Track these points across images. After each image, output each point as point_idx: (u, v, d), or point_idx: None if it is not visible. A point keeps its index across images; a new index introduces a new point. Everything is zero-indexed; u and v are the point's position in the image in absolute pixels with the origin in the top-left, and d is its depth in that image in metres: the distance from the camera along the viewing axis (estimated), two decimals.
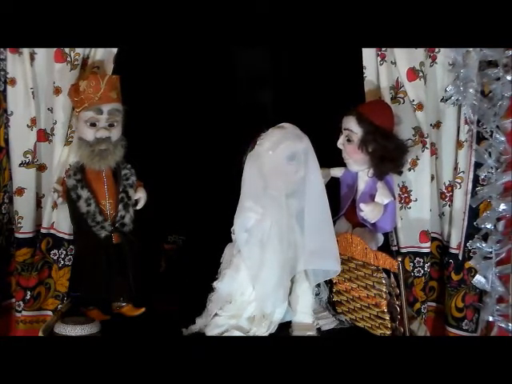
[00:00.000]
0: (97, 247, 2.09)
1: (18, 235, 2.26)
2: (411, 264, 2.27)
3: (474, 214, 2.24)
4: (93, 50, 2.18)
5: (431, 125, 2.28)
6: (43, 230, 2.24)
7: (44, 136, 2.25)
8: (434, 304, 2.42)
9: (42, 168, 2.28)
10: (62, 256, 2.24)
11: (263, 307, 1.94)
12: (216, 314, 1.96)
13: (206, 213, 2.64)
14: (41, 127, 2.24)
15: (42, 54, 2.18)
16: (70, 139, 2.19)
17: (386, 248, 2.20)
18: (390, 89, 2.21)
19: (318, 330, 2.01)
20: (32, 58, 2.17)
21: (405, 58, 2.17)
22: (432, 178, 2.28)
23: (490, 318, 2.25)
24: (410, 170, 2.23)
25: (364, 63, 2.20)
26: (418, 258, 2.28)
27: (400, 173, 2.15)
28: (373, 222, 2.08)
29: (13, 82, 2.19)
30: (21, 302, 2.25)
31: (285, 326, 1.99)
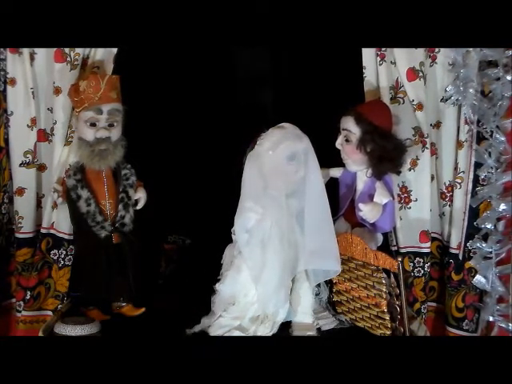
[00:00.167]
0: (97, 247, 2.09)
1: (18, 235, 2.27)
2: (411, 264, 2.27)
3: (474, 213, 2.24)
4: (93, 49, 2.18)
5: (431, 125, 2.28)
6: (43, 230, 2.24)
7: (44, 136, 2.25)
8: (434, 304, 2.42)
9: (41, 168, 2.28)
10: (62, 256, 2.24)
11: (265, 308, 1.94)
12: (220, 316, 1.96)
13: (205, 213, 2.65)
14: (41, 127, 2.24)
15: (41, 54, 2.18)
16: (70, 139, 2.19)
17: (385, 248, 2.20)
18: (390, 89, 2.21)
19: (318, 330, 2.01)
20: (32, 58, 2.17)
21: (405, 58, 2.17)
22: (432, 178, 2.28)
23: (491, 318, 2.25)
24: (409, 170, 2.23)
25: (364, 63, 2.20)
26: (418, 258, 2.28)
27: (399, 173, 2.15)
28: (372, 221, 2.08)
29: (13, 82, 2.19)
30: (21, 302, 2.25)
31: (285, 326, 1.99)
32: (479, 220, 2.24)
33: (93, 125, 2.08)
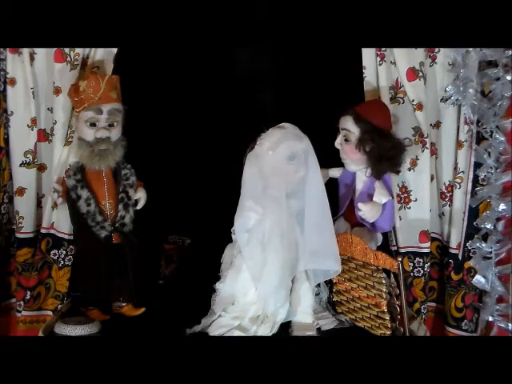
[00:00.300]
0: (97, 247, 2.09)
1: (18, 235, 2.27)
2: (411, 264, 2.28)
3: (473, 213, 2.24)
4: (93, 49, 2.18)
5: (431, 125, 2.28)
6: (43, 230, 2.24)
7: (44, 136, 2.25)
8: (433, 304, 2.42)
9: (42, 168, 2.28)
10: (62, 256, 2.24)
11: (265, 307, 1.94)
12: (219, 315, 1.96)
13: (205, 213, 2.65)
14: (41, 127, 2.24)
15: (41, 54, 2.18)
16: (70, 139, 2.18)
17: (385, 248, 2.20)
18: (390, 89, 2.21)
19: (318, 330, 2.01)
20: (32, 58, 2.17)
21: (404, 58, 2.17)
22: (432, 178, 2.28)
23: (490, 318, 2.25)
24: (409, 169, 2.24)
25: (364, 63, 2.20)
26: (417, 258, 2.28)
27: (398, 172, 2.15)
28: (371, 221, 2.08)
29: (13, 82, 2.19)
30: (21, 302, 2.25)
31: (285, 326, 1.99)
32: (479, 220, 2.24)
33: (93, 125, 2.08)
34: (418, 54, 2.17)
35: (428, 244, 2.27)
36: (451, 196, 2.30)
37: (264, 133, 1.97)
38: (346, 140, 2.11)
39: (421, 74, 2.18)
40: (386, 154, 2.06)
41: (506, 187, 2.20)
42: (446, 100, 2.24)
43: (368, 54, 2.19)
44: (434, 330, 2.39)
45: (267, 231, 1.93)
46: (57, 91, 2.16)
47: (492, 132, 2.18)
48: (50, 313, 2.26)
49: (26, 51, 2.16)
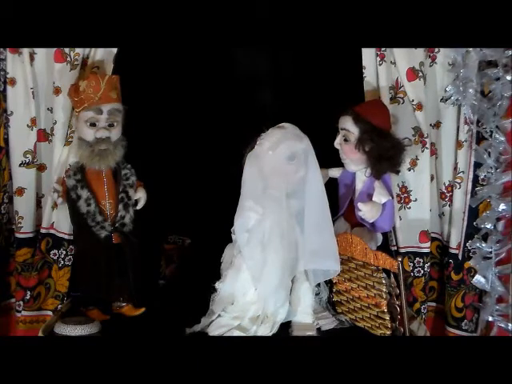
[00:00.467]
0: (97, 247, 2.09)
1: (18, 235, 2.27)
2: (411, 264, 2.28)
3: (473, 213, 2.24)
4: (93, 49, 2.18)
5: (431, 125, 2.28)
6: (43, 230, 2.24)
7: (44, 136, 2.25)
8: (433, 304, 2.43)
9: (42, 168, 2.28)
10: (62, 256, 2.24)
11: (265, 307, 1.94)
12: (219, 315, 1.96)
13: (205, 213, 2.65)
14: (41, 127, 2.24)
15: (41, 54, 2.18)
16: (70, 139, 2.18)
17: (385, 248, 2.20)
18: (390, 89, 2.21)
19: (318, 330, 2.01)
20: (32, 58, 2.17)
21: (404, 58, 2.17)
22: (432, 178, 2.28)
23: (490, 318, 2.25)
24: (409, 169, 2.24)
25: (364, 63, 2.20)
26: (417, 258, 2.28)
27: (397, 172, 2.15)
28: (371, 221, 2.08)
29: (13, 82, 2.19)
30: (21, 302, 2.25)
31: (285, 326, 1.99)
32: (479, 220, 2.24)
33: (93, 125, 2.08)
34: (418, 54, 2.17)
35: (428, 244, 2.27)
36: (451, 196, 2.30)
37: (264, 133, 1.97)
38: (346, 140, 2.11)
39: (421, 74, 2.18)
40: (385, 153, 2.06)
41: (506, 187, 2.20)
42: (446, 100, 2.24)
43: (368, 54, 2.19)
44: (434, 329, 2.39)
45: (267, 231, 1.93)
46: (57, 91, 2.16)
47: (492, 132, 2.18)
48: (50, 313, 2.26)
49: (25, 51, 2.16)
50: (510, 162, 2.20)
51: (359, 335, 2.01)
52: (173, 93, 2.64)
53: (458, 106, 2.23)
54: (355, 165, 2.14)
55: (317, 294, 2.08)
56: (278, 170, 1.93)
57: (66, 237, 2.24)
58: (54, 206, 2.20)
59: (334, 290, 2.13)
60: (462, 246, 2.26)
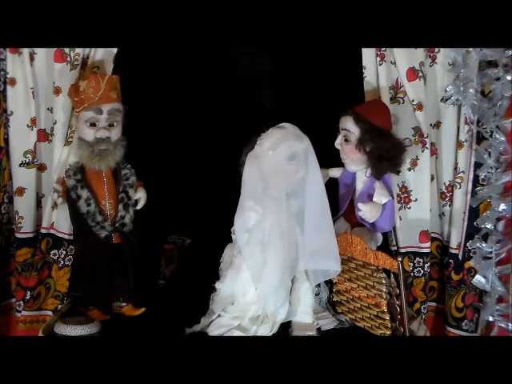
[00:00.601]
0: (97, 247, 2.09)
1: (18, 235, 2.27)
2: (411, 264, 2.28)
3: (474, 214, 2.24)
4: (93, 49, 2.18)
5: (431, 125, 2.28)
6: (43, 230, 2.24)
7: (44, 136, 2.25)
8: (434, 304, 2.43)
9: (42, 168, 2.28)
10: (62, 256, 2.24)
11: (265, 307, 1.94)
12: (219, 315, 1.96)
13: (205, 213, 2.65)
14: (41, 127, 2.24)
15: (41, 54, 2.18)
16: (70, 139, 2.18)
17: (385, 248, 2.20)
18: (390, 89, 2.21)
19: (318, 330, 2.01)
20: (32, 58, 2.17)
21: (404, 58, 2.17)
22: (432, 178, 2.28)
23: (490, 318, 2.25)
24: (409, 169, 2.24)
25: (364, 63, 2.20)
26: (417, 258, 2.28)
27: (398, 172, 2.15)
28: (371, 221, 2.08)
29: (13, 82, 2.19)
30: (21, 302, 2.25)
31: (285, 326, 1.99)
32: (479, 220, 2.24)
33: (93, 125, 2.08)
34: (418, 54, 2.17)
35: (428, 244, 2.27)
36: (451, 196, 2.30)
37: (264, 133, 1.97)
38: (346, 140, 2.11)
39: (421, 74, 2.17)
40: (386, 154, 2.06)
41: (507, 187, 2.20)
42: (446, 100, 2.24)
43: (368, 54, 2.19)
44: (434, 329, 2.39)
45: (267, 231, 1.93)
46: (57, 91, 2.16)
47: (492, 132, 2.18)
48: (50, 313, 2.26)
49: (25, 51, 2.16)
50: (511, 162, 2.20)
51: (359, 335, 2.01)
52: (173, 93, 2.64)
53: (458, 106, 2.23)
54: (355, 165, 2.14)
55: (317, 294, 2.08)
56: (278, 170, 1.93)
57: (66, 237, 2.24)
58: (54, 205, 2.20)
59: (334, 289, 2.13)
60: (462, 245, 2.26)
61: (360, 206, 2.04)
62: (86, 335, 1.90)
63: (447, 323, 2.33)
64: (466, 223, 2.24)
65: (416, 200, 2.25)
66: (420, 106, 2.19)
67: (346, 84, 2.39)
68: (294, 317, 2.01)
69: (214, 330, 1.94)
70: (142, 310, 2.15)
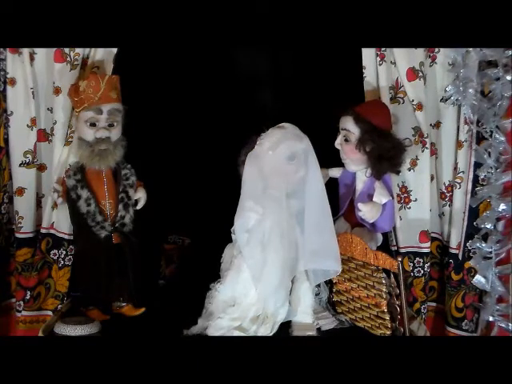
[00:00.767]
0: (97, 247, 2.09)
1: (18, 235, 2.27)
2: (411, 264, 2.28)
3: (473, 213, 2.24)
4: (93, 49, 2.18)
5: (431, 125, 2.28)
6: (43, 230, 2.24)
7: (44, 136, 2.25)
8: (433, 304, 2.43)
9: (42, 168, 2.28)
10: (62, 256, 2.24)
11: (265, 308, 1.94)
12: (218, 317, 1.95)
13: (205, 213, 2.65)
14: (41, 127, 2.24)
15: (41, 53, 2.18)
16: (70, 139, 2.19)
17: (385, 248, 2.20)
18: (390, 89, 2.21)
19: (318, 330, 2.01)
20: (32, 58, 2.17)
21: (404, 58, 2.17)
22: (432, 178, 2.28)
23: (490, 318, 2.25)
24: (409, 169, 2.24)
25: (364, 63, 2.20)
26: (417, 258, 2.28)
27: (398, 172, 2.15)
28: (371, 221, 2.08)
29: (13, 82, 2.19)
30: (21, 302, 2.25)
31: (285, 326, 1.99)
32: (479, 220, 2.24)
33: (93, 125, 2.08)
34: (418, 54, 2.17)
35: (428, 244, 2.27)
36: (451, 196, 2.30)
37: (264, 133, 1.97)
38: (346, 140, 2.11)
39: (421, 74, 2.17)
40: (386, 154, 2.06)
41: (506, 187, 2.20)
42: (446, 100, 2.24)
43: (368, 54, 2.19)
44: (434, 329, 2.39)
45: (267, 231, 1.93)
46: (57, 91, 2.16)
47: (492, 132, 2.18)
48: (50, 313, 2.26)
49: (25, 51, 2.16)
50: (510, 162, 2.19)
51: (359, 335, 2.01)
52: (173, 93, 2.64)
53: (458, 106, 2.23)
54: (355, 165, 2.14)
55: (317, 294, 2.09)
56: (278, 170, 1.93)
57: (66, 237, 2.24)
58: (54, 205, 2.20)
59: (334, 290, 2.13)
60: (462, 245, 2.26)
61: (360, 206, 2.04)
62: (86, 335, 1.90)
63: (447, 323, 2.33)
64: (465, 223, 2.25)
65: (416, 200, 2.25)
66: (420, 106, 2.19)
67: (346, 84, 2.39)
68: (294, 317, 2.01)
69: (214, 332, 1.93)
70: (142, 310, 2.15)
